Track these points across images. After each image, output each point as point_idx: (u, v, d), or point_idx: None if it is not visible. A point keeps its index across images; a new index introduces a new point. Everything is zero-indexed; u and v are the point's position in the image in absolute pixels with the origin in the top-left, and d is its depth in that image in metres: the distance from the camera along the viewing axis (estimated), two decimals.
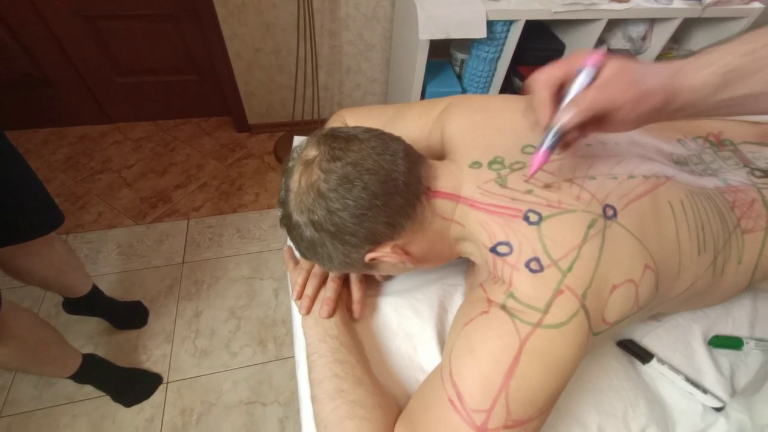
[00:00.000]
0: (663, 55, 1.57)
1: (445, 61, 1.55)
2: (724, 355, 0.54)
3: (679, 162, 0.55)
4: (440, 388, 0.39)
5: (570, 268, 0.37)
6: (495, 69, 1.43)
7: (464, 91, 1.49)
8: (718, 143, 0.61)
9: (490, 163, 0.45)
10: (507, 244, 0.41)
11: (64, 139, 1.71)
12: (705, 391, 0.51)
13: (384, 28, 1.60)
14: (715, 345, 0.55)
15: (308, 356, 0.46)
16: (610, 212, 0.41)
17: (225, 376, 1.09)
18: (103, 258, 1.32)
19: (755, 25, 1.47)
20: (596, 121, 0.36)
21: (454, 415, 0.36)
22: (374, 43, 1.65)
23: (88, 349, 1.02)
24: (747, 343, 0.55)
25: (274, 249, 1.40)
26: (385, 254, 0.41)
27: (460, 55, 1.47)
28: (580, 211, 0.40)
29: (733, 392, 0.52)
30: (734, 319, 0.58)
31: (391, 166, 0.40)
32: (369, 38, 1.62)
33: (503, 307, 0.38)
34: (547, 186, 0.42)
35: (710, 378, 0.52)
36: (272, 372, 1.11)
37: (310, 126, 1.75)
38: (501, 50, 1.37)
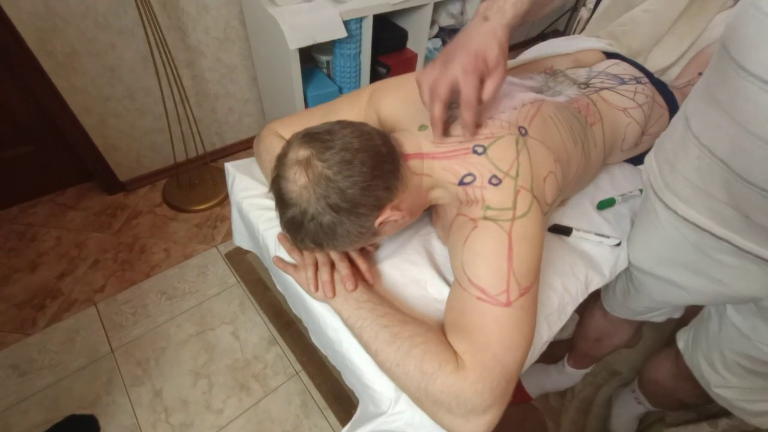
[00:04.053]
0: None
1: (311, 67, 1.63)
2: (608, 211, 0.78)
3: (539, 91, 0.76)
4: (466, 294, 0.49)
5: (517, 174, 0.52)
6: (360, 63, 1.57)
7: (340, 88, 1.60)
8: (552, 74, 0.85)
9: None
10: (470, 174, 0.53)
11: None
12: (608, 237, 0.73)
13: (241, 48, 1.60)
14: (601, 208, 0.79)
15: (352, 327, 0.52)
16: (523, 131, 0.57)
17: None
18: None
19: None
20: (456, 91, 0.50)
21: (486, 305, 0.47)
22: (235, 64, 1.63)
23: None
24: (617, 199, 0.79)
25: (212, 295, 1.32)
26: (388, 215, 0.50)
27: (324, 58, 1.57)
28: (506, 135, 0.55)
29: (621, 233, 0.76)
30: (602, 188, 0.83)
31: (371, 142, 0.48)
32: (228, 60, 1.60)
33: (485, 218, 0.51)
34: (478, 126, 0.56)
35: (606, 228, 0.75)
36: (268, 407, 1.07)
37: (196, 162, 1.65)
38: (360, 45, 1.51)
